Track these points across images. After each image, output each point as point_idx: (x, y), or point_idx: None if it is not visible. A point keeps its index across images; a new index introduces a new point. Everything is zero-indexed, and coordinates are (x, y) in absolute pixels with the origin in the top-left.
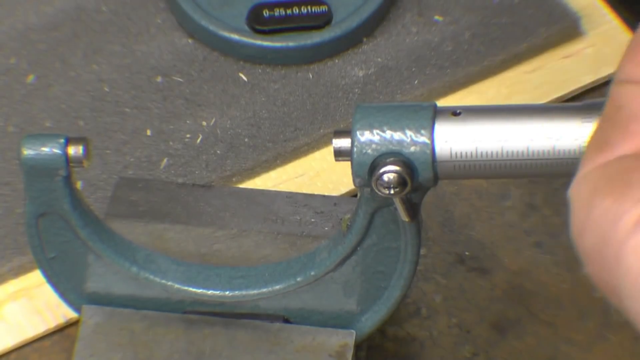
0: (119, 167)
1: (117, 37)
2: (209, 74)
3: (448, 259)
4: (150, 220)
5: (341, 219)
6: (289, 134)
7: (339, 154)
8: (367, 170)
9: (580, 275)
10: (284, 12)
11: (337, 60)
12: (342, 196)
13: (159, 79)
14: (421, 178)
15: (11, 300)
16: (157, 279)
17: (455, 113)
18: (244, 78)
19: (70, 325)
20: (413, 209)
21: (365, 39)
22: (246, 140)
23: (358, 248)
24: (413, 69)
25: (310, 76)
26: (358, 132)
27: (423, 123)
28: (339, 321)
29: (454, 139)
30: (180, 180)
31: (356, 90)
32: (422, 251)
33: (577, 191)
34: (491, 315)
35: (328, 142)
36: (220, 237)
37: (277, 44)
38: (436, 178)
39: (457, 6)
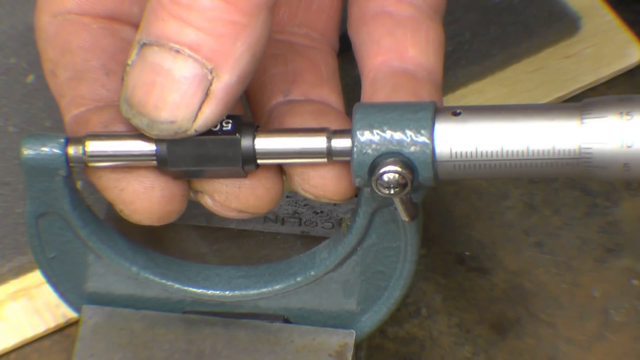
0: None
1: None
2: None
3: (448, 259)
4: None
5: (341, 219)
6: None
7: (339, 154)
8: (367, 170)
9: (580, 275)
10: None
11: (337, 61)
12: None
13: None
14: (421, 178)
15: (11, 300)
16: (157, 279)
17: (455, 113)
18: None
19: (70, 325)
20: (413, 209)
21: None
22: None
23: (358, 248)
24: None
25: None
26: (358, 132)
27: (423, 123)
28: (339, 321)
29: (454, 139)
30: None
31: (357, 90)
32: (422, 251)
33: None
34: (491, 315)
35: None
36: (220, 237)
37: None
38: (436, 178)
39: (457, 6)
